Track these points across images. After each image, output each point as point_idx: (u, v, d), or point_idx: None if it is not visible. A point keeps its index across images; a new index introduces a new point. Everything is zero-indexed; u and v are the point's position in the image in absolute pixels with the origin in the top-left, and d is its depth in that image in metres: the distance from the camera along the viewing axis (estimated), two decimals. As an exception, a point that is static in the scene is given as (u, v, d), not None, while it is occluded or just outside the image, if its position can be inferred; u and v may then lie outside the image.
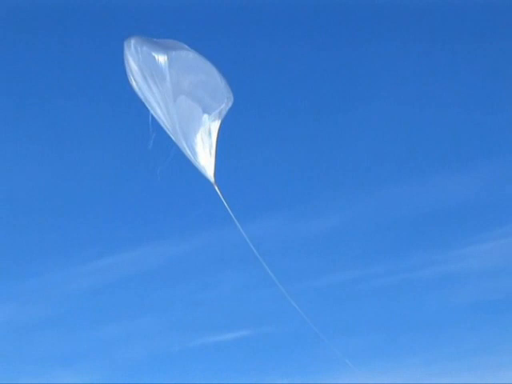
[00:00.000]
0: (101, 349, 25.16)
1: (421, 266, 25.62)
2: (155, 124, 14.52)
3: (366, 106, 26.89)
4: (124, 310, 25.53)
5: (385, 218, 26.38)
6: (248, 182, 26.54)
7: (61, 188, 27.28)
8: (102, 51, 27.23)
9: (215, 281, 26.02)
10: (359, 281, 25.51)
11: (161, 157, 14.49)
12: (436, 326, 24.68)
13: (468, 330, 24.45)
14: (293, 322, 24.07)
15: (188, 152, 14.44)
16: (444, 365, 23.72)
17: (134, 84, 14.38)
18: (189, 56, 14.04)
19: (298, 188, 26.49)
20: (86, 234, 26.76)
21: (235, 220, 14.32)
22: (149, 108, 14.38)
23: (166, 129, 14.46)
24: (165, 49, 13.85)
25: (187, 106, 14.18)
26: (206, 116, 14.27)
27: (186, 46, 14.06)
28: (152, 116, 14.38)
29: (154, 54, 13.83)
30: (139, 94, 14.44)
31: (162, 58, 13.81)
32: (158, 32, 14.86)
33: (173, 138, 14.45)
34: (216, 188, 14.50)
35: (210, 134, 14.36)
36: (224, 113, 14.40)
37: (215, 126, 14.38)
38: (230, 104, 14.42)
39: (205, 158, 14.45)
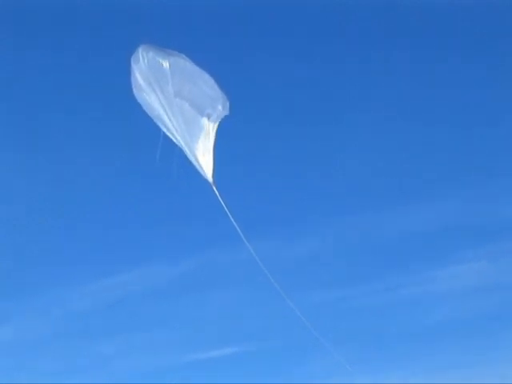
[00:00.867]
0: (99, 363, 26.60)
1: (396, 286, 27.13)
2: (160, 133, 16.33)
3: (348, 130, 28.45)
4: (121, 327, 27.03)
5: (363, 242, 27.89)
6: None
7: (63, 208, 28.66)
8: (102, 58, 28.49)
9: (210, 299, 27.45)
10: (339, 300, 26.90)
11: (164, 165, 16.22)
12: (409, 343, 25.98)
13: (439, 346, 25.57)
14: (285, 337, 25.96)
15: (188, 153, 15.83)
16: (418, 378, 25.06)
17: (137, 92, 15.82)
18: (188, 65, 15.59)
19: (281, 212, 27.77)
20: (86, 256, 28.24)
21: (240, 233, 15.59)
22: (151, 112, 15.82)
23: (168, 132, 15.87)
24: (168, 56, 15.40)
25: (187, 110, 15.65)
26: (204, 119, 15.76)
27: (185, 56, 15.61)
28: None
29: (158, 59, 15.38)
30: (142, 101, 15.87)
31: (165, 64, 15.36)
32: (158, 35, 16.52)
33: (174, 140, 15.85)
34: (214, 188, 15.80)
35: (208, 136, 15.84)
36: (220, 118, 15.93)
37: (213, 129, 15.95)
38: (226, 112, 15.94)
39: (203, 160, 15.89)
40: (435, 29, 29.00)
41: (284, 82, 28.76)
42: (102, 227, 28.84)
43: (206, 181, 16.01)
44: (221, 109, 15.98)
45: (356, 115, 28.19)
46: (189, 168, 15.99)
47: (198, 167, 16.01)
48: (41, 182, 28.85)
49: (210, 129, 15.99)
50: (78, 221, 28.80)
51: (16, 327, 27.53)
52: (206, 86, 15.84)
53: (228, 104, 16.02)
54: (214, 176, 16.04)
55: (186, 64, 15.71)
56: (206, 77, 15.85)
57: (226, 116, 16.10)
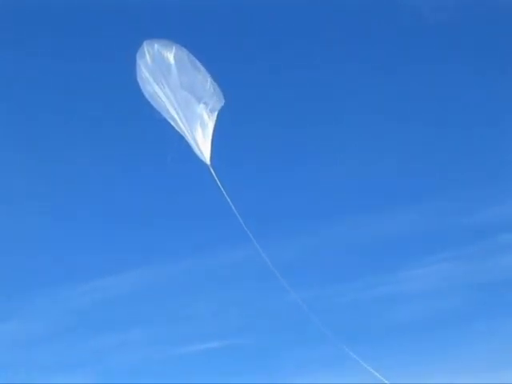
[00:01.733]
0: (96, 356, 28.03)
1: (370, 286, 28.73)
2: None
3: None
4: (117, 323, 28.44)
5: (341, 245, 29.44)
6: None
7: (63, 217, 30.26)
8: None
9: (197, 298, 28.83)
10: (317, 299, 27.44)
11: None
12: (379, 340, 27.13)
13: (408, 343, 27.06)
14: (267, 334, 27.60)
15: (189, 138, 17.63)
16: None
17: (142, 84, 17.61)
18: (189, 59, 17.51)
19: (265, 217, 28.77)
20: (83, 259, 29.73)
21: (245, 228, 17.27)
22: (156, 103, 17.58)
23: (171, 121, 17.67)
24: (172, 50, 17.29)
25: (188, 100, 17.54)
26: (202, 108, 17.64)
27: (186, 50, 17.52)
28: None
29: (163, 53, 17.29)
30: (147, 93, 17.67)
31: (170, 58, 17.30)
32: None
33: (176, 128, 17.65)
34: (211, 170, 17.58)
35: (206, 123, 17.69)
36: (217, 108, 17.79)
37: (211, 117, 17.75)
38: (221, 102, 17.81)
39: (203, 143, 17.69)
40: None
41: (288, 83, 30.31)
42: (102, 227, 30.36)
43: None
44: (216, 99, 17.87)
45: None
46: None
47: (197, 151, 17.78)
48: (41, 182, 30.07)
49: (208, 116, 17.82)
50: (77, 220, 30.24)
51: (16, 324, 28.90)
52: (203, 78, 17.75)
53: (222, 95, 17.93)
54: (211, 160, 17.79)
55: (187, 58, 17.59)
56: (203, 70, 17.77)
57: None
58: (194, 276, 29.32)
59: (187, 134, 17.75)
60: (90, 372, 27.73)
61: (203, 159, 17.84)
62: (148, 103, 17.90)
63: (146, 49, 17.52)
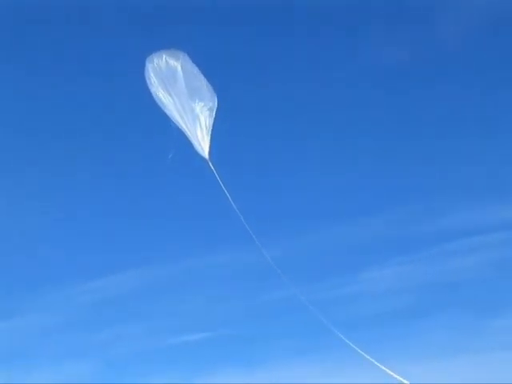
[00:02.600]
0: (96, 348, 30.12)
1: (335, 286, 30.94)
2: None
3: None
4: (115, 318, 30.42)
5: (312, 250, 31.65)
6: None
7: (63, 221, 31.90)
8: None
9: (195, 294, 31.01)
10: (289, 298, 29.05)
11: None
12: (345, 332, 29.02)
13: (369, 335, 28.53)
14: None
15: (190, 136, 19.83)
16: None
17: (150, 86, 19.83)
18: (190, 67, 19.94)
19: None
20: (83, 259, 31.67)
21: (249, 230, 19.06)
22: (161, 103, 19.79)
23: (174, 120, 19.84)
24: (177, 59, 19.78)
25: (190, 101, 19.92)
26: (200, 108, 19.90)
27: (188, 58, 19.92)
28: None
29: (170, 62, 19.79)
30: (154, 94, 19.87)
31: (175, 66, 19.82)
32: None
33: (178, 126, 19.85)
34: (210, 164, 19.71)
35: (205, 121, 19.91)
36: (213, 109, 19.99)
37: (210, 116, 19.98)
38: (215, 105, 20.05)
39: (202, 140, 19.87)
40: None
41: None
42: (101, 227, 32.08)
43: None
44: (211, 102, 20.15)
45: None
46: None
47: (197, 147, 19.92)
48: (41, 182, 31.70)
49: (206, 116, 20.06)
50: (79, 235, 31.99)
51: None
52: (201, 83, 20.15)
53: (216, 98, 20.17)
54: (210, 155, 19.95)
55: (189, 66, 20.04)
56: (201, 76, 20.19)
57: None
58: (193, 275, 31.31)
59: (187, 131, 19.94)
60: (96, 360, 29.86)
61: (202, 154, 19.90)
62: (150, 106, 20.01)
63: (155, 56, 19.99)
